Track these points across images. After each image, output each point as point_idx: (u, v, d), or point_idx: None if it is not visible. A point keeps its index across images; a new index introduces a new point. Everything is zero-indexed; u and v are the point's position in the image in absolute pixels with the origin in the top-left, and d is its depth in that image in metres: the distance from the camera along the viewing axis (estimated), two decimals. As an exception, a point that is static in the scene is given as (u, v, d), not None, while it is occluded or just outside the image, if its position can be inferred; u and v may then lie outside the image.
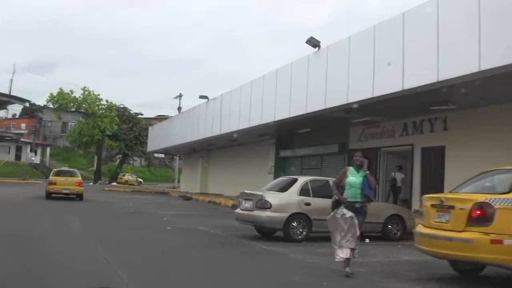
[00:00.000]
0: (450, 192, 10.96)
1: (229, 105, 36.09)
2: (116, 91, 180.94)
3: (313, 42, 25.40)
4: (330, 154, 31.90)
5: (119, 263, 10.93)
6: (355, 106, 22.16)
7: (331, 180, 17.59)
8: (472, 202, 9.21)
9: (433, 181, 23.53)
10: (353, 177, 10.93)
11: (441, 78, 16.81)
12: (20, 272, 9.59)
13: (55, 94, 70.25)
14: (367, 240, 16.17)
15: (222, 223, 21.89)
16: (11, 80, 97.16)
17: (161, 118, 77.67)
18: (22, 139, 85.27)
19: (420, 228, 10.49)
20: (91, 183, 69.27)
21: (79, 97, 71.12)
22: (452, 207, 9.56)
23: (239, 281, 10.04)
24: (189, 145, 47.85)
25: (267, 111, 29.74)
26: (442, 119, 23.29)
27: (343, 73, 22.51)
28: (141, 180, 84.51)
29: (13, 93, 50.01)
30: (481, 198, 9.22)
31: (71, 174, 35.97)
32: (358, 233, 10.53)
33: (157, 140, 58.85)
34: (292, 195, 16.65)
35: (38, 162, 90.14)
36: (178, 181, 71.31)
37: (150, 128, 65.73)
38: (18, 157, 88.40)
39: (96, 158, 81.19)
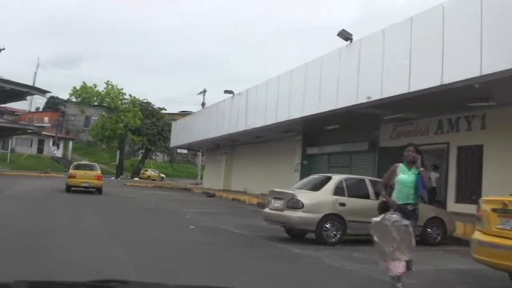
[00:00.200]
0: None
1: (255, 100, 35.35)
2: (140, 87, 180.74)
3: (345, 35, 24.59)
4: (360, 152, 30.78)
5: (133, 262, 10.12)
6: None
7: (367, 178, 16.54)
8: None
9: (470, 182, 22.71)
10: (405, 175, 9.49)
11: (484, 72, 15.72)
12: (28, 266, 9.33)
13: (78, 87, 69.58)
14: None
15: (248, 222, 20.85)
16: (35, 73, 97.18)
17: (184, 114, 76.76)
18: (44, 132, 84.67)
19: (478, 235, 9.18)
20: (113, 178, 68.77)
21: (102, 91, 70.39)
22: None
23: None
24: (213, 141, 47.11)
25: (294, 106, 28.96)
26: (480, 117, 22.22)
27: (377, 67, 21.64)
28: (163, 175, 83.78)
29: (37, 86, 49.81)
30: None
31: (91, 168, 36.01)
32: (414, 242, 9.08)
33: (180, 135, 58.21)
34: (325, 195, 15.41)
35: (60, 155, 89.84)
36: (201, 178, 70.45)
37: (173, 123, 64.99)
38: (40, 150, 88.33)
39: (118, 152, 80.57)
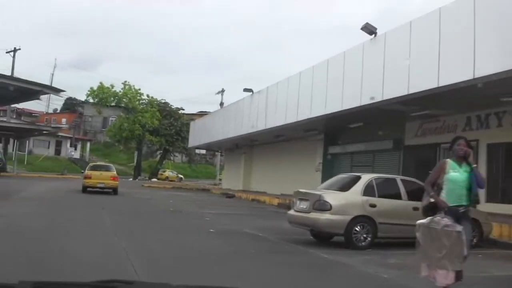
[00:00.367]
0: None
1: (275, 98, 34.62)
2: (158, 87, 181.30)
3: (369, 29, 23.91)
4: (384, 150, 29.87)
5: (146, 270, 9.34)
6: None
7: (398, 177, 15.53)
8: None
9: (502, 181, 21.85)
10: (456, 173, 8.16)
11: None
12: (37, 267, 9.26)
13: (95, 88, 68.97)
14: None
15: (270, 224, 19.97)
16: (52, 74, 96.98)
17: (202, 114, 76.05)
18: (61, 134, 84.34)
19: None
20: (131, 179, 68.47)
21: (120, 91, 69.74)
22: None
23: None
24: (232, 140, 46.47)
25: (316, 104, 28.25)
26: (512, 113, 21.15)
27: (403, 61, 20.70)
28: (181, 176, 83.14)
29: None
30: None
31: (106, 169, 36.39)
32: (466, 252, 7.84)
33: (198, 135, 57.57)
34: (355, 195, 14.37)
35: (78, 157, 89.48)
36: (220, 179, 69.73)
37: (191, 123, 64.37)
38: (57, 152, 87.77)
39: (136, 153, 79.97)
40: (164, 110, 76.37)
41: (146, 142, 77.60)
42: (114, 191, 34.02)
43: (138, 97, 71.67)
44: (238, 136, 42.59)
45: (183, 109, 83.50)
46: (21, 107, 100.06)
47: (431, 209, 8.15)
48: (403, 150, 28.11)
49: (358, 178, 15.01)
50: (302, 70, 31.29)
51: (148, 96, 74.08)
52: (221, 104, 68.10)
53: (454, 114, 24.14)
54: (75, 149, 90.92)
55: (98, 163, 46.36)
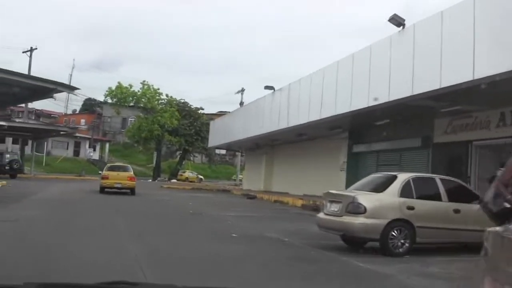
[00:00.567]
0: None
1: (298, 96, 33.52)
2: (177, 88, 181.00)
3: (397, 20, 22.86)
4: (411, 149, 28.61)
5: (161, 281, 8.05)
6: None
7: (437, 177, 14.22)
8: None
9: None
10: None
11: None
12: (45, 270, 9.06)
13: (113, 88, 68.14)
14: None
15: (296, 227, 18.80)
16: (70, 75, 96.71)
17: (221, 114, 75.02)
18: (80, 135, 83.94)
19: None
20: (150, 180, 67.89)
21: (138, 91, 68.90)
22: None
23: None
24: (253, 140, 45.41)
25: (341, 100, 27.14)
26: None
27: (434, 53, 19.59)
28: (201, 177, 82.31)
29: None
30: None
31: (123, 169, 36.83)
32: None
33: (218, 135, 56.72)
34: (391, 197, 13.07)
35: (97, 158, 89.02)
36: (235, 179, 68.87)
37: (211, 123, 63.61)
38: (76, 153, 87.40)
39: (155, 154, 79.13)
40: (183, 110, 75.47)
41: (165, 142, 76.83)
42: (132, 191, 34.51)
43: (157, 97, 70.80)
44: (259, 135, 41.58)
45: (202, 109, 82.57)
46: (40, 108, 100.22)
47: (504, 215, 6.87)
48: (432, 148, 26.78)
49: (394, 177, 13.69)
50: (325, 66, 30.22)
51: (167, 95, 73.32)
52: (241, 103, 67.32)
53: (487, 110, 22.80)
54: (94, 150, 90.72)
55: (115, 163, 47.24)
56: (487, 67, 16.85)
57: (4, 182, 37.55)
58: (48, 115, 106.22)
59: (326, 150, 37.40)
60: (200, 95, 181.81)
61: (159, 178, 72.32)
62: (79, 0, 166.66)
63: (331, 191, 14.31)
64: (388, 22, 22.99)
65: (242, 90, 73.40)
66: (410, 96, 21.17)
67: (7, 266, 9.19)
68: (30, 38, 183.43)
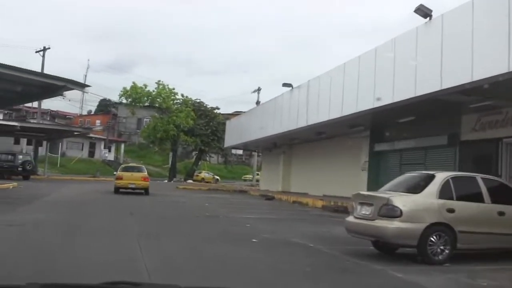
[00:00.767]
0: None
1: (317, 93, 32.51)
2: (193, 88, 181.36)
3: (423, 11, 21.95)
4: (437, 147, 27.61)
5: None
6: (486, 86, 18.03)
7: (478, 176, 12.91)
8: None
9: None
10: None
11: None
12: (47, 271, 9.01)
13: (128, 88, 67.27)
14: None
15: (319, 231, 17.67)
16: (85, 75, 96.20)
17: (237, 114, 74.09)
18: (95, 135, 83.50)
19: None
20: (166, 181, 67.25)
21: (153, 91, 68.03)
22: None
23: None
24: (270, 139, 44.42)
25: (363, 97, 26.19)
26: None
27: (465, 45, 18.52)
28: (218, 177, 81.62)
29: (89, 90, 48.39)
30: None
31: (137, 170, 37.54)
32: None
33: (235, 134, 56.04)
34: (429, 198, 11.73)
35: (112, 159, 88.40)
36: (257, 180, 68.07)
37: (227, 122, 63.09)
38: (91, 154, 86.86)
39: (171, 154, 78.32)
40: (199, 110, 74.68)
41: (181, 142, 75.95)
42: (145, 191, 35.18)
43: (172, 97, 69.87)
44: (277, 134, 40.68)
45: (218, 108, 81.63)
46: (55, 110, 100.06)
47: None
48: (459, 146, 25.75)
49: (432, 177, 12.29)
50: (347, 61, 29.20)
51: (182, 95, 72.43)
52: (257, 102, 66.76)
53: (518, 106, 21.78)
54: (109, 151, 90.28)
55: (130, 164, 48.90)
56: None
57: (15, 183, 37.41)
58: (64, 116, 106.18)
59: (346, 149, 36.35)
60: (216, 95, 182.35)
61: (175, 179, 71.60)
62: (94, 2, 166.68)
63: (361, 192, 13.11)
64: (414, 14, 22.07)
65: (259, 89, 73.02)
66: (439, 91, 20.13)
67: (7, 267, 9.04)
68: (43, 39, 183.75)
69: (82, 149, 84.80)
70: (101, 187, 41.18)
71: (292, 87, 37.48)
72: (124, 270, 9.41)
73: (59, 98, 47.27)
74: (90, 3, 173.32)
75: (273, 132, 40.91)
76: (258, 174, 70.25)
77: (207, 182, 71.88)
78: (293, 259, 11.88)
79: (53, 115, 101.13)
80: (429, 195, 11.81)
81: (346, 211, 27.17)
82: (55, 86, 26.02)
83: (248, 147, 62.29)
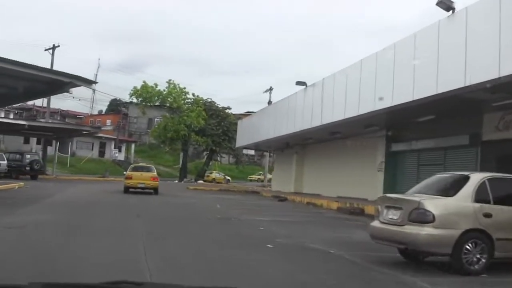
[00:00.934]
0: None
1: (332, 91, 31.58)
2: (205, 88, 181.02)
3: (446, 4, 20.97)
4: (457, 147, 26.50)
5: None
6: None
7: (518, 176, 11.80)
8: None
9: None
10: None
11: None
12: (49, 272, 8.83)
13: (138, 87, 66.55)
14: None
15: (337, 235, 16.73)
16: (96, 74, 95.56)
17: (248, 114, 73.31)
18: (105, 135, 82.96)
19: None
20: (176, 181, 66.59)
21: (164, 90, 67.29)
22: None
23: None
24: (283, 139, 43.44)
25: (381, 95, 25.00)
26: None
27: (492, 39, 17.65)
28: (229, 178, 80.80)
29: (100, 89, 48.06)
30: None
31: (147, 170, 37.99)
32: None
33: (246, 134, 55.36)
34: (464, 202, 10.67)
35: (122, 159, 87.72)
36: (269, 180, 67.22)
37: (239, 122, 62.38)
38: (101, 153, 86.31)
39: (181, 154, 77.56)
40: (210, 109, 73.86)
41: (192, 142, 75.21)
42: (155, 191, 35.68)
43: (183, 96, 69.10)
44: (290, 134, 39.77)
45: (230, 108, 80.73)
46: (66, 109, 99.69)
47: None
48: (481, 146, 24.65)
49: (467, 178, 11.19)
50: (363, 58, 28.26)
51: (193, 95, 71.50)
52: (269, 102, 65.72)
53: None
54: (120, 150, 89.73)
55: (139, 164, 49.92)
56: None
57: (21, 183, 36.79)
58: (74, 115, 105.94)
59: (361, 149, 35.33)
60: (227, 95, 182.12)
61: (185, 179, 70.87)
62: (105, 2, 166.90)
63: (388, 195, 11.98)
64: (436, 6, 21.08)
65: (271, 89, 72.04)
66: (463, 88, 19.13)
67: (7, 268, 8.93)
68: (54, 38, 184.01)
69: (92, 149, 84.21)
70: (109, 187, 40.79)
71: (306, 86, 36.49)
72: (127, 270, 8.96)
73: (69, 98, 47.22)
74: (102, 4, 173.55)
75: (286, 132, 40.08)
76: (261, 174, 69.47)
77: (218, 183, 71.03)
78: (312, 268, 10.89)
79: (63, 114, 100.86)
80: (464, 198, 10.73)
81: (362, 213, 26.35)
82: (61, 82, 25.11)
83: (260, 147, 61.55)
